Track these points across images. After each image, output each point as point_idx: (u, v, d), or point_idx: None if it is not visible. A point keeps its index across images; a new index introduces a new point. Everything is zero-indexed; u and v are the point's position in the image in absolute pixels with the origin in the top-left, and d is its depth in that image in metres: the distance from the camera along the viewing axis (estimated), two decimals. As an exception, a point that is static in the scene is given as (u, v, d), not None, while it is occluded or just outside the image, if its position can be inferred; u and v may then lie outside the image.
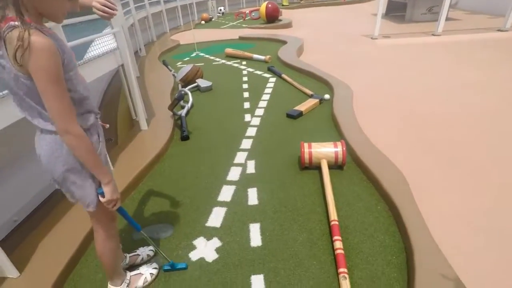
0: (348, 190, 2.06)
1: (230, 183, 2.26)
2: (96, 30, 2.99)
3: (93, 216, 1.27)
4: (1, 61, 0.91)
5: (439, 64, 4.63)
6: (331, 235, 1.69)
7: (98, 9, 1.24)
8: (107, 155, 1.40)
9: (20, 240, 1.80)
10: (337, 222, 1.72)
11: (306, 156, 2.26)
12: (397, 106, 3.21)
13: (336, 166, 2.30)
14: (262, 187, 2.18)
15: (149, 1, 8.15)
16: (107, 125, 1.32)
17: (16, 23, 0.85)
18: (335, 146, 2.25)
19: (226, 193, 2.15)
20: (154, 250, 1.69)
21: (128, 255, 1.63)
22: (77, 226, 1.85)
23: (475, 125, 2.69)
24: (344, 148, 2.22)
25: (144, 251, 1.68)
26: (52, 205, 2.08)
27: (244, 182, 2.25)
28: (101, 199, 1.15)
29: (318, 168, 2.29)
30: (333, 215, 1.77)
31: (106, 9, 1.24)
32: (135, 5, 6.92)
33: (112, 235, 1.36)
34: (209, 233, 1.82)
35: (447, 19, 6.52)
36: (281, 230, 1.79)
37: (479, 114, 2.88)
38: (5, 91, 1.57)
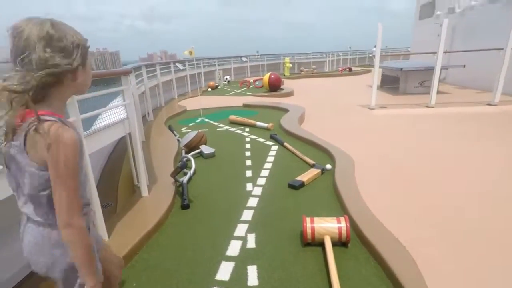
0: (354, 272, 1.95)
1: (230, 259, 2.16)
2: (108, 100, 3.17)
3: None
4: (15, 152, 0.91)
5: (433, 134, 4.79)
6: (338, 326, 1.55)
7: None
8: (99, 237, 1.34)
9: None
10: (344, 311, 1.59)
11: (309, 231, 2.19)
12: (400, 176, 3.23)
13: (340, 243, 2.21)
14: (262, 265, 2.07)
15: (161, 72, 8.83)
16: (93, 211, 1.27)
17: (44, 117, 0.88)
18: (338, 222, 2.20)
19: (225, 271, 2.03)
20: None
21: None
22: None
23: (484, 200, 2.67)
24: (347, 224, 2.17)
25: None
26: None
27: (244, 258, 2.15)
28: None
29: (321, 244, 2.21)
30: (339, 301, 1.64)
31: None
32: (148, 76, 7.49)
33: None
34: (205, 320, 1.67)
35: (438, 92, 6.96)
36: (283, 318, 1.65)
37: (486, 189, 2.88)
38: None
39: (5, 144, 0.92)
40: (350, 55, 23.35)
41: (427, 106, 6.78)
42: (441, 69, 6.89)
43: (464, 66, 8.50)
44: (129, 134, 3.14)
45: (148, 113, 7.09)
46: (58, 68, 0.88)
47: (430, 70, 7.44)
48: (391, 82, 9.71)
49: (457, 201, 2.69)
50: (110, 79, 3.18)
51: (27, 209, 0.99)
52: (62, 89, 0.95)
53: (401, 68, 8.77)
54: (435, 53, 6.70)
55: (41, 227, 1.00)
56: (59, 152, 0.87)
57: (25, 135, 0.87)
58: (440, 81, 7.16)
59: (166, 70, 9.87)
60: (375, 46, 6.94)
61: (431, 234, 2.23)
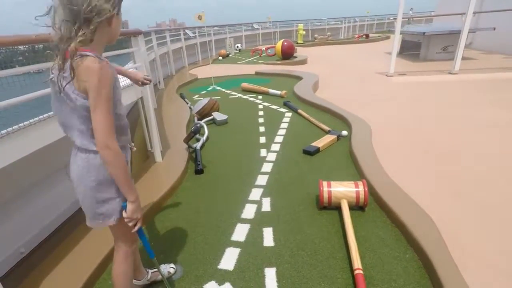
0: (371, 234, 1.91)
1: (245, 221, 2.15)
2: (119, 63, 3.10)
3: (115, 234, 1.32)
4: (63, 82, 1.03)
5: (458, 102, 4.55)
6: (355, 286, 1.53)
7: (141, 82, 1.58)
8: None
9: (27, 273, 1.72)
10: (361, 271, 1.56)
11: (325, 195, 2.14)
12: (419, 144, 3.10)
13: (357, 207, 2.17)
14: (278, 227, 2.06)
15: (170, 39, 8.59)
16: (134, 148, 1.35)
17: (87, 53, 1.01)
18: (356, 186, 2.14)
19: (241, 232, 2.03)
20: (174, 267, 1.74)
21: (150, 271, 1.65)
22: (86, 259, 1.77)
23: (506, 168, 2.54)
24: (366, 188, 2.11)
25: (166, 268, 1.71)
26: (60, 238, 2.01)
27: (259, 221, 2.14)
28: (123, 213, 1.18)
29: (338, 208, 2.17)
30: (357, 263, 1.61)
31: (146, 82, 1.58)
32: (157, 42, 7.30)
33: (130, 258, 1.36)
34: (221, 277, 1.69)
35: (463, 58, 6.53)
36: (299, 277, 1.64)
37: (506, 155, 2.73)
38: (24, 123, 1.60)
39: (58, 73, 1.03)
40: (367, 21, 22.14)
41: (450, 73, 6.40)
42: (468, 32, 6.41)
43: (494, 29, 7.89)
44: (141, 99, 3.09)
45: (159, 81, 7.01)
46: (102, 13, 1.00)
47: (455, 34, 6.95)
48: (411, 49, 9.18)
49: (477, 169, 2.58)
50: (120, 44, 3.10)
51: (76, 138, 1.12)
52: (99, 33, 1.05)
53: (424, 33, 8.23)
54: (463, 14, 6.21)
55: (87, 153, 1.13)
56: (96, 79, 1.00)
57: (71, 67, 0.99)
58: (465, 46, 6.70)
59: (176, 38, 9.61)
60: (411, 9, 6.49)
61: (452, 200, 2.15)
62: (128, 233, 1.26)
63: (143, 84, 1.59)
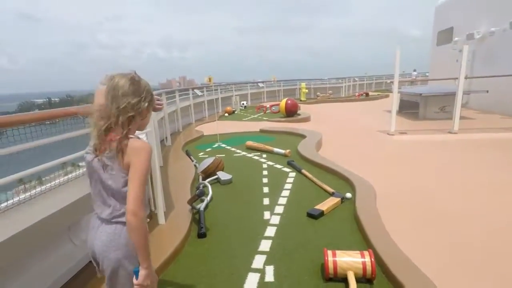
0: (381, 313, 1.81)
1: (247, 293, 2.06)
2: None
3: None
4: (108, 162, 1.20)
5: (460, 162, 4.59)
6: None
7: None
8: None
9: None
10: None
11: (331, 265, 2.08)
12: (424, 208, 3.08)
13: (364, 280, 2.08)
14: (282, 301, 1.96)
15: (180, 98, 9.09)
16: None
17: (130, 136, 1.22)
18: (362, 256, 2.08)
19: (242, 307, 1.93)
20: None
21: None
22: None
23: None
24: (372, 259, 2.05)
25: None
26: None
27: (263, 293, 2.04)
28: (133, 280, 1.22)
29: (344, 280, 2.08)
30: None
31: (158, 107, 1.60)
32: (167, 101, 7.72)
33: None
34: None
35: (462, 117, 6.76)
36: None
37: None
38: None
39: (95, 156, 1.22)
40: (366, 80, 23.37)
41: (450, 132, 6.57)
42: (463, 94, 6.73)
43: (487, 91, 8.28)
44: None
45: (166, 138, 7.23)
46: (134, 107, 1.22)
47: (450, 95, 7.29)
48: (409, 107, 9.55)
49: (486, 235, 2.51)
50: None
51: (107, 212, 1.25)
52: (134, 123, 1.25)
53: (421, 94, 8.65)
54: (456, 78, 6.59)
55: (114, 225, 1.25)
56: (141, 155, 1.20)
57: (119, 148, 1.18)
58: (462, 105, 6.98)
59: (185, 96, 10.16)
60: (414, 70, 6.95)
61: (462, 270, 2.06)
62: None
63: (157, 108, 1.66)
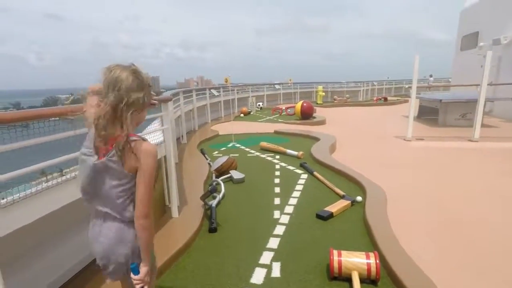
0: (383, 313, 1.83)
1: (254, 286, 2.13)
2: (143, 124, 3.41)
3: None
4: (112, 165, 1.16)
5: (478, 171, 4.49)
6: None
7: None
8: None
9: None
10: None
11: (336, 265, 2.12)
12: (435, 214, 3.05)
13: (368, 281, 2.11)
14: (286, 297, 2.02)
15: (196, 97, 9.29)
16: None
17: (134, 137, 1.17)
18: (368, 258, 2.11)
19: (248, 300, 2.01)
20: None
21: None
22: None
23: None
24: (377, 261, 2.07)
25: None
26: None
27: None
28: (131, 275, 1.23)
29: (349, 279, 2.12)
30: None
31: (153, 102, 1.43)
32: (184, 100, 7.92)
33: None
34: None
35: (483, 125, 6.56)
36: None
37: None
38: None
39: (98, 158, 1.17)
40: (385, 84, 22.95)
41: (469, 140, 6.40)
42: (486, 101, 6.54)
43: (512, 99, 7.99)
44: (165, 157, 3.32)
45: (182, 136, 7.42)
46: (138, 102, 1.17)
47: (472, 102, 7.09)
48: (429, 113, 9.35)
49: (499, 244, 2.47)
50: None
51: (110, 210, 1.22)
52: (135, 119, 1.20)
53: (440, 100, 8.45)
54: (478, 85, 6.42)
55: (120, 223, 1.24)
56: (153, 161, 1.19)
57: (121, 150, 1.14)
58: (485, 113, 6.78)
59: (202, 96, 10.35)
60: (431, 76, 6.83)
61: (470, 277, 2.05)
62: None
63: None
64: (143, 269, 1.24)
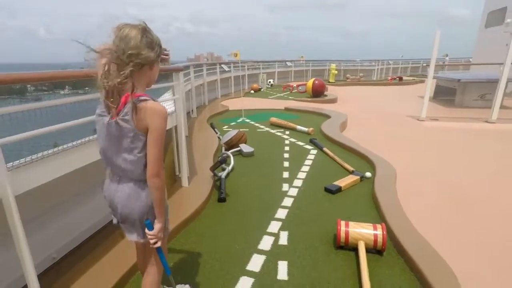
0: (387, 281, 1.87)
1: (261, 252, 2.20)
2: (155, 94, 3.41)
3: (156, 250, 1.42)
4: (124, 124, 1.17)
5: (493, 152, 4.38)
6: (366, 332, 1.50)
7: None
8: None
9: (56, 278, 1.87)
10: (373, 317, 1.54)
11: (343, 234, 2.15)
12: (445, 192, 3.03)
13: (374, 251, 2.14)
14: (293, 262, 2.08)
15: (207, 72, 9.20)
16: None
17: (144, 97, 1.18)
18: (375, 229, 2.13)
19: (256, 263, 2.08)
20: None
21: None
22: (113, 268, 1.92)
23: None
24: (384, 232, 2.09)
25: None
26: (91, 247, 2.17)
27: (276, 254, 2.17)
28: (146, 231, 1.29)
29: (355, 249, 2.15)
30: (370, 308, 1.59)
31: (165, 57, 1.42)
32: (195, 75, 7.85)
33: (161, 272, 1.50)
34: (233, 306, 1.73)
35: (503, 107, 6.33)
36: (310, 315, 1.64)
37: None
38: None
39: (111, 117, 1.18)
40: (401, 64, 22.18)
41: (487, 121, 6.21)
42: (508, 82, 6.27)
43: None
44: (175, 127, 3.34)
45: (192, 110, 7.43)
46: (148, 59, 1.17)
47: (493, 82, 6.81)
48: (445, 94, 9.05)
49: (509, 224, 2.46)
50: (160, 75, 3.43)
51: (125, 169, 1.26)
52: (142, 76, 1.21)
53: (459, 80, 8.14)
54: (501, 64, 6.13)
55: (134, 182, 1.28)
56: (161, 120, 1.19)
57: (132, 110, 1.15)
58: (506, 95, 6.51)
59: (212, 71, 10.24)
60: (446, 55, 6.54)
61: (475, 251, 2.06)
62: (165, 250, 1.43)
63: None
64: (157, 225, 1.29)
